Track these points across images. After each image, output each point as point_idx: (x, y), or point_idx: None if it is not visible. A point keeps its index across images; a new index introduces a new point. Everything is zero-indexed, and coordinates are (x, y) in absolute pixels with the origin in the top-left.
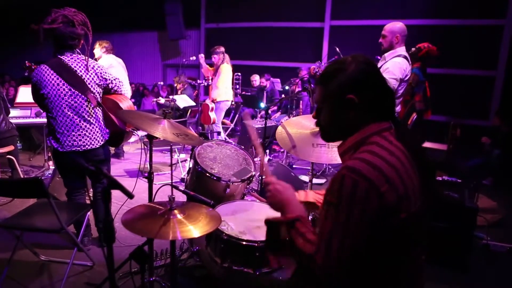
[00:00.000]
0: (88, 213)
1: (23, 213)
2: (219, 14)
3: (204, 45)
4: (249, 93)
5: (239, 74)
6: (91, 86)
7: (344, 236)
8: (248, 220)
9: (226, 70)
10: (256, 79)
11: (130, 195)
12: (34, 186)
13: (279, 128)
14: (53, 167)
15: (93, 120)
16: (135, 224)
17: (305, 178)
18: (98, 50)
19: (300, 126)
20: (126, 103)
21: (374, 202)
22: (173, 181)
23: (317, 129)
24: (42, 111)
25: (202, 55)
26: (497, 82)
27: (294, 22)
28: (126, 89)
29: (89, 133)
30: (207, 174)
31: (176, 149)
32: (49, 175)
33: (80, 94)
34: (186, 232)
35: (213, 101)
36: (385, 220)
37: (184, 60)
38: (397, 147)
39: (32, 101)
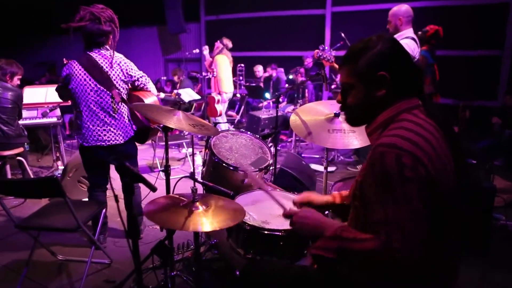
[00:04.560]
0: (104, 210)
1: (38, 213)
2: (219, 6)
3: (205, 38)
4: (254, 84)
5: (242, 65)
6: (117, 82)
7: (411, 213)
8: (269, 209)
9: (221, 61)
10: (259, 70)
11: (153, 188)
12: (50, 186)
13: (293, 116)
14: (62, 167)
15: (117, 116)
16: (158, 215)
17: (315, 166)
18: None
19: (314, 112)
20: (151, 99)
21: (422, 172)
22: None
23: (331, 114)
24: (48, 111)
25: (207, 46)
26: (504, 62)
27: (295, 10)
28: (152, 88)
29: (114, 129)
30: (224, 165)
31: (184, 143)
32: (59, 176)
33: (105, 90)
34: (210, 224)
35: (219, 93)
36: (430, 194)
37: (187, 53)
38: (429, 123)
39: (37, 101)
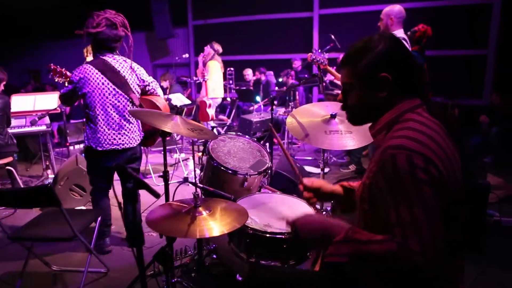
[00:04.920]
0: (99, 218)
1: (31, 224)
2: (206, 10)
3: (193, 42)
4: (244, 87)
5: (232, 69)
6: (133, 86)
7: (426, 214)
8: (270, 212)
9: (213, 66)
10: (249, 73)
11: (156, 195)
12: (43, 194)
13: (289, 118)
14: (52, 176)
15: (133, 120)
16: (161, 224)
17: (308, 168)
18: (89, 57)
19: (310, 114)
20: (162, 103)
21: (434, 172)
22: (177, 181)
23: (328, 116)
24: (37, 119)
25: (202, 54)
26: (488, 61)
27: (282, 14)
28: (160, 92)
29: (129, 132)
30: (223, 169)
31: (176, 148)
32: (50, 185)
33: (123, 94)
34: (214, 230)
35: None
36: (442, 194)
37: (177, 57)
38: (434, 122)
39: (26, 109)
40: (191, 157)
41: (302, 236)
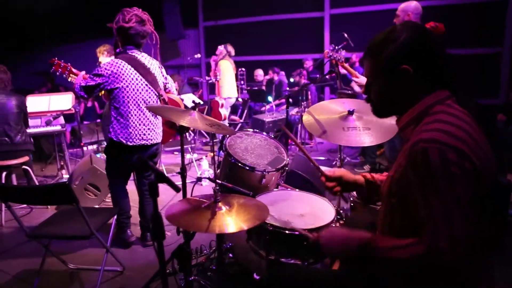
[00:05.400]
0: (115, 217)
1: (48, 222)
2: (217, 11)
3: (203, 43)
4: (256, 88)
5: (243, 69)
6: (160, 83)
7: (459, 210)
8: (290, 209)
9: (224, 66)
10: (260, 74)
11: (177, 189)
12: (61, 192)
13: (305, 116)
14: (67, 176)
15: (159, 116)
16: (181, 219)
17: (322, 168)
18: (101, 57)
19: (327, 111)
20: (178, 99)
21: (468, 167)
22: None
23: (345, 112)
24: (52, 119)
25: (215, 57)
26: (504, 59)
27: (293, 14)
28: (174, 90)
29: (156, 128)
30: (241, 165)
31: (189, 148)
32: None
33: (153, 90)
34: (234, 225)
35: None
36: (476, 189)
37: (188, 58)
38: (465, 113)
39: (41, 110)
40: (204, 157)
41: (325, 252)
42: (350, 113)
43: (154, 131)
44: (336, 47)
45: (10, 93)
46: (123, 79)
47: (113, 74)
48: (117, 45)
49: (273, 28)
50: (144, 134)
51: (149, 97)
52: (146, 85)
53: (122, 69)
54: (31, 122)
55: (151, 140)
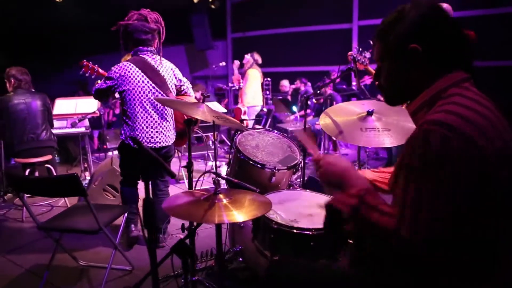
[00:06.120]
0: (125, 215)
1: (60, 216)
2: (245, 23)
3: (231, 54)
4: (280, 97)
5: (269, 79)
6: (170, 86)
7: (434, 203)
8: (298, 208)
9: (252, 75)
10: (285, 85)
11: (172, 175)
12: (70, 183)
13: (322, 116)
14: (89, 178)
15: (169, 118)
16: (177, 209)
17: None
18: None
19: (345, 112)
20: (194, 101)
21: (472, 158)
22: (209, 186)
23: (364, 113)
24: (77, 121)
25: (237, 62)
26: None
27: (321, 26)
28: (192, 93)
29: (165, 131)
30: (251, 162)
31: (210, 155)
32: (86, 185)
33: (162, 92)
34: (232, 216)
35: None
36: (487, 180)
37: (214, 66)
38: (483, 97)
39: (68, 112)
40: (224, 164)
41: (319, 173)
42: (369, 113)
43: (163, 133)
44: (361, 49)
45: (34, 93)
46: (130, 81)
47: (121, 77)
48: (124, 46)
49: (300, 39)
50: (152, 137)
51: None
52: (154, 87)
53: (129, 71)
54: (57, 123)
55: (160, 143)
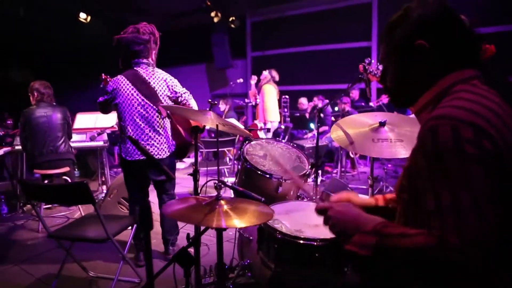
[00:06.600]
0: (134, 227)
1: (71, 225)
2: (265, 41)
3: (250, 73)
4: (298, 114)
5: (287, 97)
6: (162, 97)
7: (472, 200)
8: (304, 219)
9: (268, 90)
10: (304, 102)
11: (170, 177)
12: (79, 191)
13: (334, 127)
14: (106, 191)
15: (162, 131)
16: (176, 212)
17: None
18: None
19: (356, 124)
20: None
21: (488, 146)
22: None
23: (376, 124)
24: (96, 135)
25: (254, 77)
26: None
27: (340, 44)
28: (193, 104)
29: (157, 143)
30: (258, 172)
31: (226, 171)
32: (101, 198)
33: (151, 105)
34: (231, 222)
35: (264, 122)
36: (501, 175)
37: (232, 83)
38: (493, 94)
39: (87, 126)
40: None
41: (328, 224)
42: (382, 124)
43: (156, 146)
44: (373, 61)
45: (55, 106)
46: (121, 94)
47: (114, 90)
48: (121, 62)
49: (319, 58)
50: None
51: (147, 112)
52: (143, 100)
53: (120, 84)
54: (77, 137)
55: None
